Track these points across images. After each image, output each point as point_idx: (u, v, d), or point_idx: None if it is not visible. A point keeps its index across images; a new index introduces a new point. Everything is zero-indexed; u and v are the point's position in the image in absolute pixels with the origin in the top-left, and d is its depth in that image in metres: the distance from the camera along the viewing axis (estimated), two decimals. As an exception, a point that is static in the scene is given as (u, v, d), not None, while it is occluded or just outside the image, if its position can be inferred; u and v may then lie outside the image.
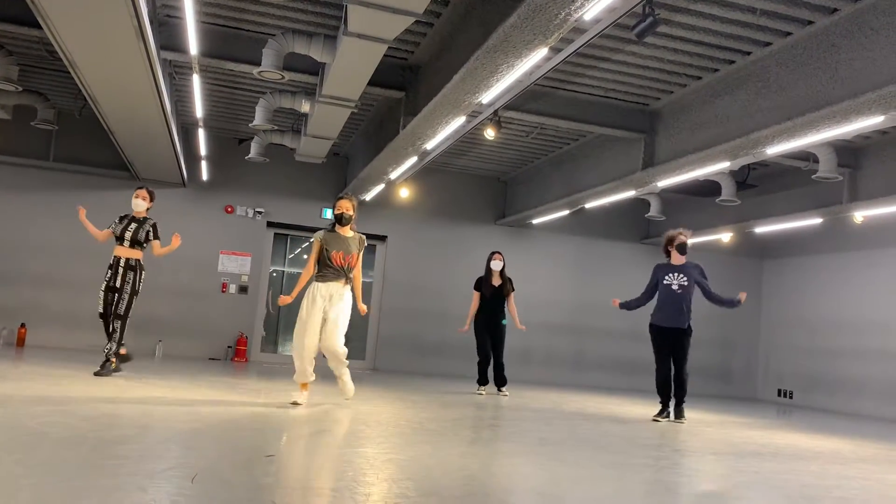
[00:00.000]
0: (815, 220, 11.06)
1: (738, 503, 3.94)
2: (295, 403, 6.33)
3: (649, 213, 12.35)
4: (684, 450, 5.93)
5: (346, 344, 6.53)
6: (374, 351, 12.98)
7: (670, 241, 7.98)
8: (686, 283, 7.76)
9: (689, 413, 7.91)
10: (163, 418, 5.07)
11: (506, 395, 9.36)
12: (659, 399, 7.92)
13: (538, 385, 12.31)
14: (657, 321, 7.88)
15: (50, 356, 9.54)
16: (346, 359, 6.54)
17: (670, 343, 7.78)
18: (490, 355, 9.40)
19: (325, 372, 6.76)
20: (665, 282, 7.83)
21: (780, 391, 14.17)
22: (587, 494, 3.80)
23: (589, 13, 5.23)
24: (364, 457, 4.20)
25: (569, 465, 4.62)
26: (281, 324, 13.11)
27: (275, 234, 12.99)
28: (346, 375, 6.65)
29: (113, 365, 7.41)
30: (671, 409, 7.85)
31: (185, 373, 8.89)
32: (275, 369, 10.95)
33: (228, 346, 12.21)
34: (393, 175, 10.76)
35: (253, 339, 12.52)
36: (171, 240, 7.66)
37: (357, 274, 6.53)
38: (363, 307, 6.65)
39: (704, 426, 7.96)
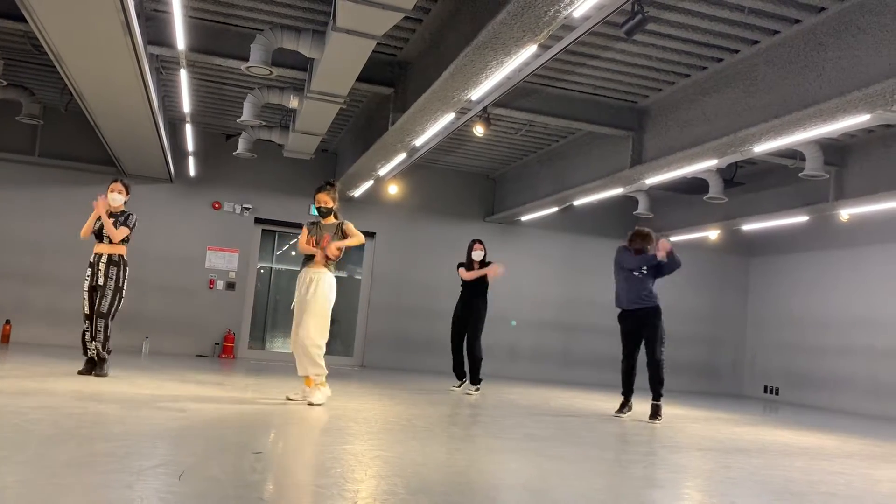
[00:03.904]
0: (802, 218, 11.13)
1: (724, 499, 3.97)
2: (288, 399, 6.40)
3: (637, 211, 12.38)
4: (671, 446, 5.96)
5: (330, 341, 6.40)
6: (361, 347, 12.97)
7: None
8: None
9: (676, 409, 7.93)
10: (150, 415, 5.04)
11: (469, 394, 8.83)
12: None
13: (525, 381, 12.34)
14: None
15: (35, 353, 9.47)
16: (321, 359, 6.25)
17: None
18: (460, 350, 9.10)
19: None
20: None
21: (766, 388, 14.27)
22: (574, 490, 3.81)
23: (578, 10, 5.23)
24: (352, 453, 4.20)
25: (556, 461, 4.63)
26: (269, 320, 13.08)
27: (262, 230, 12.93)
28: (315, 377, 6.28)
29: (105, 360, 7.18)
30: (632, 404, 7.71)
31: (172, 369, 8.85)
32: (262, 366, 10.92)
33: (216, 343, 12.15)
34: (381, 171, 10.75)
35: (240, 336, 12.47)
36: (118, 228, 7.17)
37: (349, 241, 6.44)
38: (336, 246, 6.38)
39: (691, 422, 8.00)
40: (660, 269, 7.63)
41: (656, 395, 7.48)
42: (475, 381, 9.10)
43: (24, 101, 10.29)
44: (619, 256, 7.82)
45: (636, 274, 7.60)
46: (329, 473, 3.60)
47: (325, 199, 6.54)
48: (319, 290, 6.31)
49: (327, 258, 6.40)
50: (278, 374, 9.20)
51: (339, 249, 6.43)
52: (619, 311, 7.77)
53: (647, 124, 9.22)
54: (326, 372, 6.40)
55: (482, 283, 9.19)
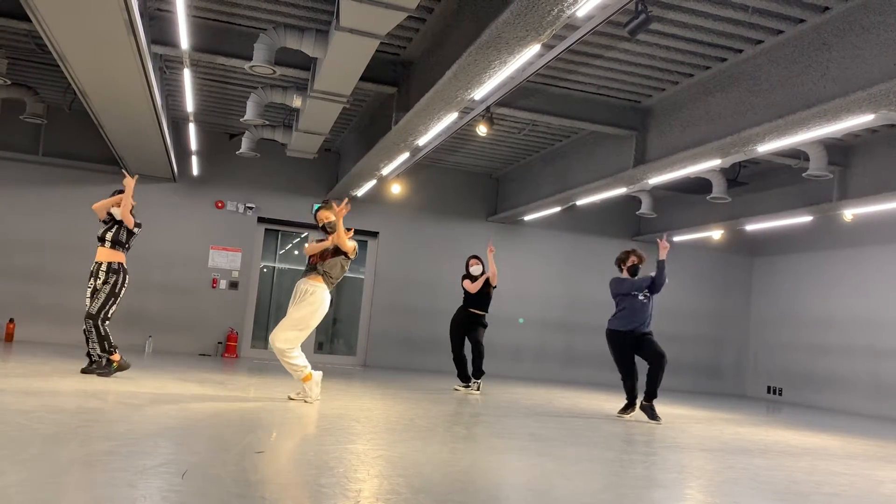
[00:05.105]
0: (805, 218, 11.11)
1: (727, 499, 3.96)
2: (290, 398, 6.47)
3: (640, 211, 12.38)
4: (673, 446, 5.95)
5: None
6: (364, 347, 12.96)
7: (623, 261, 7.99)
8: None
9: (679, 409, 7.92)
10: (152, 414, 5.05)
11: (472, 393, 8.95)
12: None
13: (529, 381, 12.34)
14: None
15: (39, 351, 9.49)
16: (292, 360, 6.28)
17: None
18: (460, 353, 9.23)
19: (321, 370, 6.72)
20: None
21: (769, 388, 14.25)
22: (577, 490, 3.81)
23: (581, 10, 5.22)
24: (354, 453, 4.20)
25: (559, 461, 4.63)
26: (271, 320, 13.08)
27: (265, 229, 12.95)
28: (295, 374, 6.36)
29: (115, 364, 7.06)
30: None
31: (174, 368, 8.86)
32: (265, 365, 10.93)
33: (219, 342, 12.17)
34: (385, 171, 10.74)
35: (243, 335, 12.48)
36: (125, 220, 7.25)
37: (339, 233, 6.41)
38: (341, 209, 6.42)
39: (694, 423, 8.00)
40: (651, 288, 7.76)
41: (653, 395, 7.46)
42: (478, 374, 9.15)
43: (28, 100, 10.30)
44: (617, 285, 7.90)
45: (640, 298, 7.70)
46: (331, 473, 3.60)
47: (328, 216, 6.57)
48: (308, 300, 6.34)
49: (329, 275, 6.44)
50: (280, 374, 9.19)
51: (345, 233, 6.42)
52: (612, 330, 7.76)
53: (651, 124, 9.20)
54: (306, 364, 6.37)
55: (485, 297, 9.32)
